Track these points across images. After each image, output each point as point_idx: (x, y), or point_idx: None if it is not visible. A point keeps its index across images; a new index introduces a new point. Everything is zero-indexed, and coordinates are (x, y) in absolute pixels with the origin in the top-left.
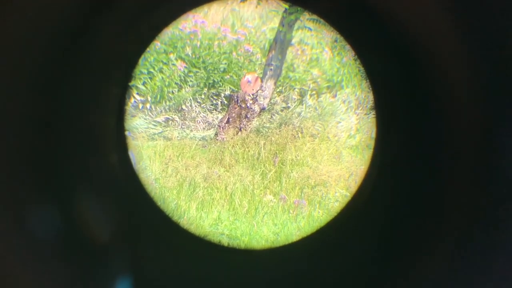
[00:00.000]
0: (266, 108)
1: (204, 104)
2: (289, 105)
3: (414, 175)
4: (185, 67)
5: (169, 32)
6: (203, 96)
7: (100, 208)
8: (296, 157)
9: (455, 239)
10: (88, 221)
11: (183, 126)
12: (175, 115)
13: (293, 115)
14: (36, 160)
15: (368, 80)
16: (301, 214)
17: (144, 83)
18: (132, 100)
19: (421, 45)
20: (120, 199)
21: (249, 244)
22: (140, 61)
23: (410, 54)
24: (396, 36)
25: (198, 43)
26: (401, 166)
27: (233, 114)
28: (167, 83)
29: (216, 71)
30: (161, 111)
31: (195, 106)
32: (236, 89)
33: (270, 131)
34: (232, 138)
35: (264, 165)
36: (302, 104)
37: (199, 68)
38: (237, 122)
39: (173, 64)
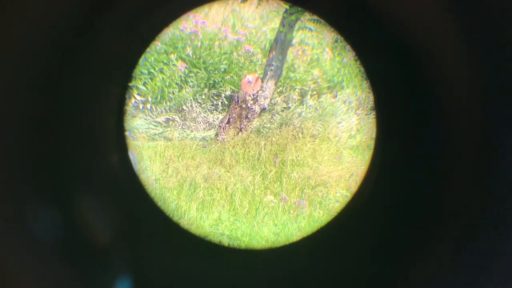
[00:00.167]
0: (267, 109)
1: (204, 105)
2: (290, 105)
3: (414, 175)
4: (185, 67)
5: (170, 32)
6: (203, 97)
7: (100, 208)
8: (296, 157)
9: (455, 239)
10: (88, 221)
11: (183, 127)
12: (175, 115)
13: (294, 116)
14: (36, 160)
15: (368, 80)
16: (302, 215)
17: (144, 84)
18: (133, 100)
19: (421, 45)
20: (120, 199)
21: (249, 244)
22: (141, 61)
23: (410, 54)
24: (396, 36)
25: (199, 44)
26: (401, 166)
27: (234, 115)
28: (167, 84)
29: (216, 72)
30: (162, 112)
31: (196, 106)
32: (237, 90)
33: (270, 131)
34: (232, 139)
35: (264, 165)
36: (303, 105)
37: (200, 69)
38: (238, 122)
39: (174, 65)
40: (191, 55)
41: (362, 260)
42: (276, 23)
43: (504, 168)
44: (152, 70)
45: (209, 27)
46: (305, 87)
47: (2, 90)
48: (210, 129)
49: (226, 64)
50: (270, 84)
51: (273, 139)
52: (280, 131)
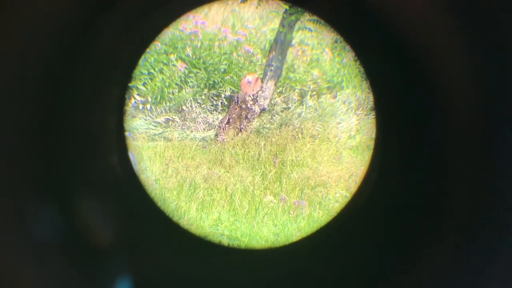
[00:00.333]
0: (266, 109)
1: (204, 105)
2: (290, 105)
3: (414, 175)
4: (185, 67)
5: (170, 32)
6: (203, 97)
7: (100, 208)
8: (296, 157)
9: (455, 239)
10: (88, 221)
11: (183, 127)
12: (175, 115)
13: (293, 116)
14: (36, 160)
15: (368, 81)
16: (301, 215)
17: (144, 84)
18: (133, 100)
19: (421, 45)
20: (120, 199)
21: (249, 244)
22: (141, 61)
23: (410, 54)
24: (396, 36)
25: (199, 44)
26: (401, 166)
27: (234, 115)
28: (167, 84)
29: (216, 72)
30: (162, 112)
31: (196, 106)
32: (237, 90)
33: (270, 131)
34: (232, 139)
35: (264, 165)
36: (302, 105)
37: (200, 69)
38: (238, 122)
39: (174, 65)
40: (191, 55)
41: (362, 260)
42: (276, 23)
43: (504, 168)
44: (152, 71)
45: (209, 27)
46: (304, 88)
47: (3, 90)
48: (210, 130)
49: (226, 64)
50: (269, 85)
51: (273, 139)
52: (279, 132)
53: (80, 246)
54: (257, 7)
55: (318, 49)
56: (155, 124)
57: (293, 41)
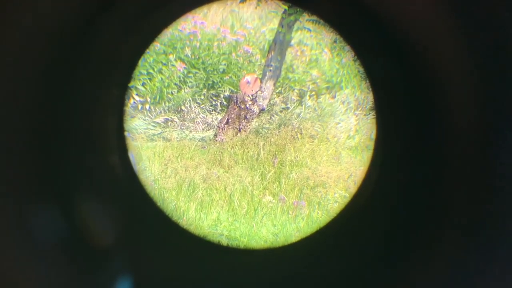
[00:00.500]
0: (266, 109)
1: (203, 105)
2: (289, 106)
3: (415, 176)
4: (184, 68)
5: (169, 33)
6: (202, 97)
7: (100, 208)
8: (295, 158)
9: (455, 239)
10: (88, 221)
11: (182, 127)
12: (174, 116)
13: (292, 116)
14: (37, 161)
15: (368, 81)
16: (300, 215)
17: (143, 84)
18: (131, 101)
19: (421, 45)
20: (121, 199)
21: (248, 244)
22: (140, 62)
23: (410, 54)
24: (396, 36)
25: (198, 44)
26: (401, 167)
27: (233, 115)
28: (166, 84)
29: (215, 72)
30: (161, 112)
31: (195, 107)
32: (236, 90)
33: (269, 132)
34: (231, 139)
35: (263, 166)
36: (302, 105)
37: (199, 69)
38: (237, 123)
39: (173, 65)
40: (190, 55)
41: (362, 261)
42: (275, 23)
43: (504, 168)
44: (151, 71)
45: (208, 27)
46: (304, 88)
47: (2, 90)
48: (209, 130)
49: (225, 64)
50: (269, 85)
51: (272, 139)
52: (279, 132)
53: (80, 246)
54: (256, 7)
55: (317, 49)
56: (154, 124)
57: (292, 41)
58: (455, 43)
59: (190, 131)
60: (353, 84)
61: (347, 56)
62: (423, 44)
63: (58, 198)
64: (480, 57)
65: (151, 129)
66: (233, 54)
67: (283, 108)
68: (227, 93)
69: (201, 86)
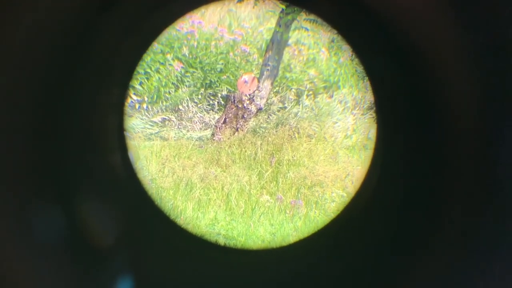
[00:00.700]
0: (263, 109)
1: (201, 104)
2: (286, 105)
3: (415, 176)
4: (182, 67)
5: (166, 32)
6: (200, 96)
7: (101, 208)
8: (292, 157)
9: (455, 239)
10: (89, 221)
11: (179, 126)
12: (171, 115)
13: (290, 116)
14: (38, 161)
15: (368, 81)
16: (298, 215)
17: (141, 83)
18: (129, 100)
19: (421, 44)
20: (121, 199)
21: (245, 244)
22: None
23: (410, 54)
24: (395, 36)
25: (195, 44)
26: (401, 167)
27: (230, 115)
28: (164, 83)
29: (213, 72)
30: (158, 111)
31: (192, 106)
32: (233, 89)
33: (266, 131)
34: (228, 139)
35: (260, 165)
36: (299, 105)
37: (196, 68)
38: (234, 122)
39: (170, 64)
40: (187, 55)
41: (362, 260)
42: (272, 23)
43: (504, 168)
44: (148, 70)
45: (206, 27)
46: (301, 87)
47: (3, 90)
48: (206, 129)
49: (222, 64)
50: (266, 84)
51: (269, 139)
52: (276, 131)
53: (80, 245)
54: (253, 7)
55: (315, 48)
56: (151, 123)
57: (290, 41)
58: (455, 43)
59: (188, 131)
60: (350, 84)
61: (345, 56)
62: (423, 43)
63: (58, 198)
64: (480, 57)
65: (149, 128)
66: (231, 53)
67: (280, 108)
68: (224, 93)
69: (198, 85)
